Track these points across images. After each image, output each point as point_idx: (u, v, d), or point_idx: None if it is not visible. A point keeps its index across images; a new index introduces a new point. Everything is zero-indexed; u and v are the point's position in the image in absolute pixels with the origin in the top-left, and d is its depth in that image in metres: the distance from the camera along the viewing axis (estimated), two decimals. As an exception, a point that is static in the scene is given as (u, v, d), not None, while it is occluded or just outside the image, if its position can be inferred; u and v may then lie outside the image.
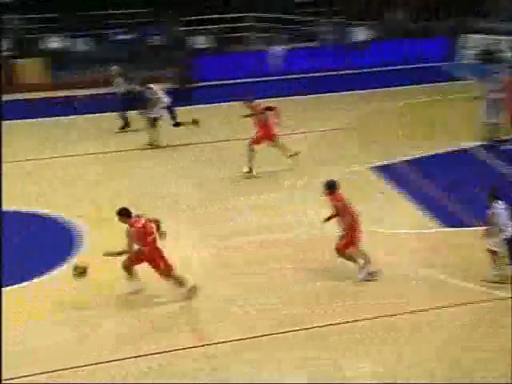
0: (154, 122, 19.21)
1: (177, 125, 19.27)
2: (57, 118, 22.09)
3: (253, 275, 12.96)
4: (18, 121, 21.41)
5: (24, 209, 15.75)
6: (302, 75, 25.52)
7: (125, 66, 21.39)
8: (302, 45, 27.58)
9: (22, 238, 14.40)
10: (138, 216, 11.92)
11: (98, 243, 13.61)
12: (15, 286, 12.56)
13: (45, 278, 13.06)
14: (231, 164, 17.79)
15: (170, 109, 19.16)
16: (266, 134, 17.28)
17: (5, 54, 25.37)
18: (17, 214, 15.44)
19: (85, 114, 22.08)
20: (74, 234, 14.73)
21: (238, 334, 11.30)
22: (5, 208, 14.48)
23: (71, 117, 22.03)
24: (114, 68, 20.85)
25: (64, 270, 13.15)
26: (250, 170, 17.29)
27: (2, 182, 15.21)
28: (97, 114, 21.97)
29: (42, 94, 24.10)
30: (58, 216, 15.49)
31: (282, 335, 11.29)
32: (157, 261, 11.94)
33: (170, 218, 13.90)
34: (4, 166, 16.49)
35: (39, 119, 22.06)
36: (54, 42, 26.31)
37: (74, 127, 21.17)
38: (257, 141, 17.27)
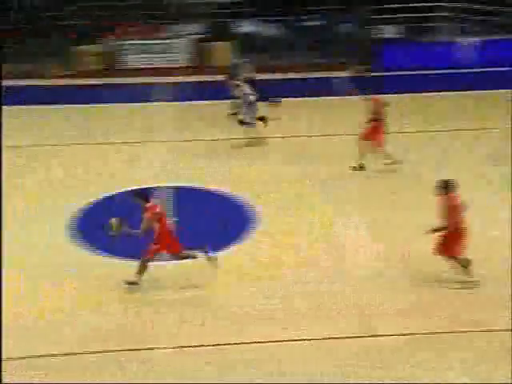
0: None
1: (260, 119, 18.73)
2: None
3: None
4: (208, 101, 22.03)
5: (206, 186, 16.36)
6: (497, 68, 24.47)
7: (310, 54, 21.45)
8: (497, 36, 26.51)
9: (201, 214, 14.97)
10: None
11: (273, 221, 14.17)
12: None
13: (224, 252, 13.48)
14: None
15: (252, 105, 18.50)
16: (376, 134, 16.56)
17: (198, 36, 26.35)
18: (196, 191, 16.11)
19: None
20: (248, 211, 15.15)
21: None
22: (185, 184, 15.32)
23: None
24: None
25: (244, 245, 13.76)
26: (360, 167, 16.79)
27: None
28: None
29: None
30: (231, 194, 15.96)
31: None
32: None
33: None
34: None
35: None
36: (246, 27, 26.99)
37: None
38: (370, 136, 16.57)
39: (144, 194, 12.37)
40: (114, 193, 15.96)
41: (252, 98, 18.45)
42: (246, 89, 18.58)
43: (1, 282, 10.14)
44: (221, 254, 12.99)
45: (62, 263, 13.10)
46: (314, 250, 13.58)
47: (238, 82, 18.82)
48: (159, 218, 12.06)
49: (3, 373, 9.82)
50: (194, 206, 15.44)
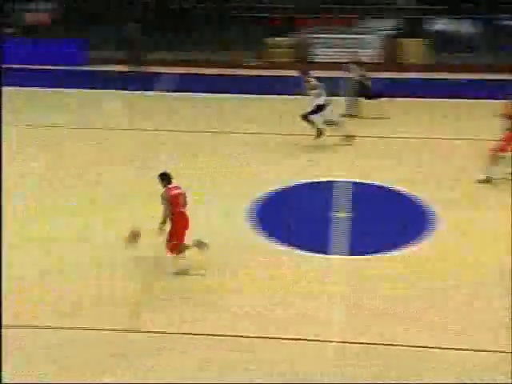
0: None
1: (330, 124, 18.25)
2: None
3: None
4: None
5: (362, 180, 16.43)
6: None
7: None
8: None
9: (378, 211, 15.00)
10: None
11: (454, 223, 14.01)
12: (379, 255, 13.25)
13: (404, 251, 13.52)
14: None
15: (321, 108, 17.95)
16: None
17: (391, 32, 26.16)
18: (363, 186, 16.16)
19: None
20: (427, 213, 14.99)
21: None
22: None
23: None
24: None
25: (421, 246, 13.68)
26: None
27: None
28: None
29: (425, 75, 24.44)
30: (405, 191, 15.88)
31: None
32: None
33: None
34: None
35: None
36: (439, 24, 26.45)
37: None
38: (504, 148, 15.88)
39: (167, 176, 12.52)
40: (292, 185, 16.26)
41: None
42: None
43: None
44: (401, 253, 13.04)
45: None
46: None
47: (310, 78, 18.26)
48: (175, 201, 12.26)
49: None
50: (370, 202, 15.45)
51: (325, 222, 14.31)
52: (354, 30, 26.47)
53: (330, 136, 18.40)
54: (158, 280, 12.44)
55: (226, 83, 23.81)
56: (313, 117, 18.04)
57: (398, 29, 26.57)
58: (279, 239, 13.85)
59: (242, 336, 11.05)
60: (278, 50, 26.17)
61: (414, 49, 25.72)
